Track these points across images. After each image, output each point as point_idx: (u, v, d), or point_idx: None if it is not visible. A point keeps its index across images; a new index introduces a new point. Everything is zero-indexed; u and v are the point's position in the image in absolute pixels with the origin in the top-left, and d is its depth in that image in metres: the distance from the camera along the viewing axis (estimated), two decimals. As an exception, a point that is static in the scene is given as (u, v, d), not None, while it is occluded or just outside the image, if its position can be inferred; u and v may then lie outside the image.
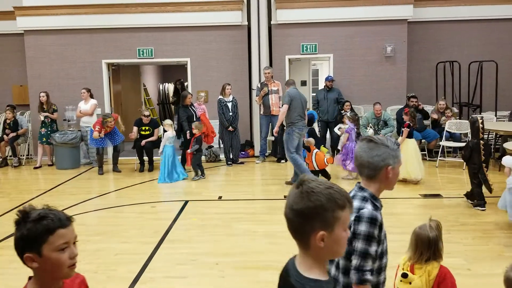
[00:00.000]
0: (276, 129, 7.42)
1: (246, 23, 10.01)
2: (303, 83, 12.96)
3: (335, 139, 9.25)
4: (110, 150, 9.31)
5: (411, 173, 7.13)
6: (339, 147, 8.15)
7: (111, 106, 10.44)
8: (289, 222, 1.42)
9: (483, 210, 5.77)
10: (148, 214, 6.15)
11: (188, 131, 8.35)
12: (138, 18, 9.95)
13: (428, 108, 9.54)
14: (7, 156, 9.67)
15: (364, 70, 9.98)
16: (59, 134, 9.21)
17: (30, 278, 1.56)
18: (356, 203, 1.93)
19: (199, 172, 8.06)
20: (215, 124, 9.26)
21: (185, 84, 13.68)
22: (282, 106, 7.20)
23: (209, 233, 5.30)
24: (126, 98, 11.64)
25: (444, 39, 10.28)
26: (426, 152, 9.17)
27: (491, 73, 9.60)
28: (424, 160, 9.03)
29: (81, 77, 10.12)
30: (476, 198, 5.86)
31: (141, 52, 10.14)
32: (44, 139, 9.37)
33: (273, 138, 9.61)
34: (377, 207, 1.96)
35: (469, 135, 7.29)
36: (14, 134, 9.47)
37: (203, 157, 9.07)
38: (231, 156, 9.15)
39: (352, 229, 1.87)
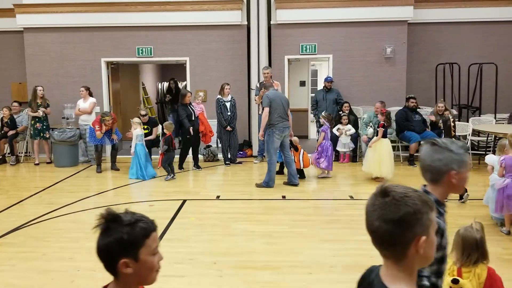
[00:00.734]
0: (261, 132, 7.43)
1: (246, 23, 10.00)
2: (302, 83, 12.97)
3: (334, 139, 9.25)
4: (108, 148, 9.31)
5: (383, 172, 7.32)
6: (316, 145, 8.24)
7: (110, 104, 10.43)
8: (382, 234, 1.30)
9: (462, 201, 6.14)
10: (146, 212, 6.02)
11: (191, 128, 8.38)
12: (138, 16, 9.94)
13: (427, 110, 9.55)
14: (5, 154, 9.65)
15: (363, 71, 9.98)
16: (58, 132, 9.18)
17: (105, 287, 1.48)
18: None
19: (171, 172, 7.97)
20: (213, 123, 9.25)
21: (181, 83, 13.68)
22: (262, 109, 7.25)
23: (207, 232, 5.29)
24: (125, 97, 11.63)
25: (444, 40, 10.29)
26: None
27: (490, 75, 9.61)
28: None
29: (80, 75, 10.11)
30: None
31: (140, 51, 10.13)
32: (41, 134, 9.34)
33: (295, 139, 9.60)
34: (440, 213, 1.91)
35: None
36: (13, 131, 9.45)
37: (201, 156, 9.07)
38: (229, 156, 9.14)
39: None
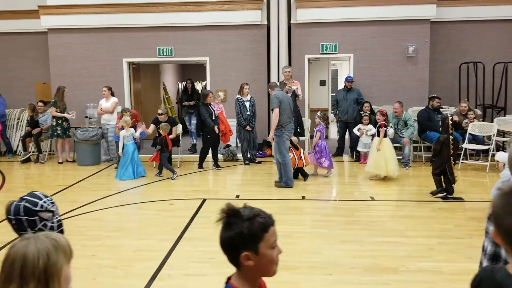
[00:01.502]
0: (271, 134, 7.39)
1: (266, 22, 9.99)
2: (322, 83, 12.90)
3: (355, 140, 9.17)
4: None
5: (390, 171, 7.45)
6: (312, 146, 8.27)
7: (131, 104, 10.56)
8: None
9: (450, 197, 6.39)
10: (167, 211, 6.18)
11: (216, 126, 8.48)
12: (159, 17, 10.03)
13: (450, 110, 9.38)
14: (30, 152, 9.86)
15: (385, 71, 9.86)
16: (81, 131, 9.35)
17: (229, 278, 1.55)
18: None
19: (173, 170, 8.11)
20: (232, 123, 9.27)
21: (200, 83, 13.75)
22: (272, 110, 7.21)
23: (227, 231, 5.29)
24: (146, 97, 11.76)
25: (467, 39, 10.08)
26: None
27: (516, 75, 9.39)
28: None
29: (102, 75, 10.26)
30: (446, 190, 6.45)
31: (161, 51, 10.23)
32: (67, 133, 9.58)
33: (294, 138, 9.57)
34: None
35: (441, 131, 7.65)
36: (38, 129, 9.66)
37: (220, 156, 9.09)
38: (248, 156, 9.15)
39: None
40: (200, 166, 8.79)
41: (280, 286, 3.93)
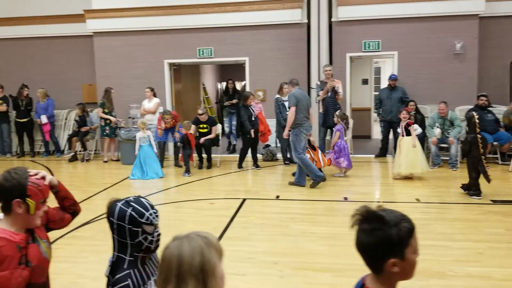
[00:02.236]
0: (286, 132, 7.31)
1: (306, 21, 9.89)
2: (365, 81, 12.63)
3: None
4: (171, 146, 9.60)
5: (424, 168, 7.40)
6: (332, 145, 8.16)
7: (172, 104, 10.72)
8: None
9: (479, 198, 6.22)
10: (207, 210, 6.21)
11: (252, 130, 8.47)
12: (199, 18, 10.13)
13: (501, 109, 8.95)
14: (77, 151, 10.20)
15: (430, 68, 9.53)
16: (125, 131, 9.61)
17: (363, 281, 1.54)
18: None
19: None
20: (272, 123, 9.22)
21: (240, 83, 13.78)
22: (289, 108, 7.18)
23: (267, 232, 5.26)
24: (186, 97, 11.91)
25: (519, 34, 9.59)
26: (498, 156, 8.61)
27: None
28: (496, 164, 8.51)
29: (145, 77, 10.48)
30: (472, 188, 6.33)
31: (201, 52, 10.32)
32: (115, 133, 9.91)
33: (312, 139, 9.43)
34: None
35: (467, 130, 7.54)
36: (87, 128, 9.99)
37: (259, 155, 9.06)
38: (288, 155, 9.07)
39: None
40: (240, 166, 8.80)
41: (322, 289, 3.84)
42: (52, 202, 2.18)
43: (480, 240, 4.75)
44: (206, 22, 10.14)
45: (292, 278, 4.04)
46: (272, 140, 9.53)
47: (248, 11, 9.97)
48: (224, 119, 11.43)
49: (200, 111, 9.07)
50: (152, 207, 1.92)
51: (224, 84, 15.90)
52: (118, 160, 9.89)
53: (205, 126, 9.00)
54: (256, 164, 8.79)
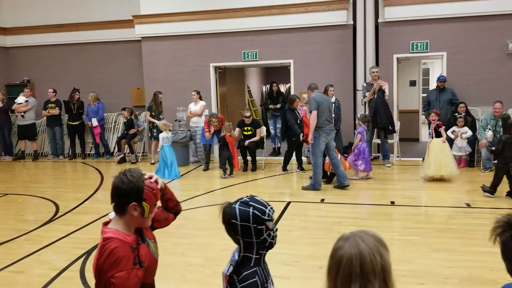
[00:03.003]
0: (310, 136, 7.20)
1: (352, 22, 9.77)
2: (412, 83, 12.32)
3: (448, 143, 8.62)
4: (216, 148, 9.75)
5: (453, 170, 7.41)
6: (353, 148, 8.07)
7: (217, 107, 10.88)
8: None
9: (492, 196, 6.34)
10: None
11: (301, 134, 8.49)
12: (244, 22, 10.23)
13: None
14: (125, 153, 10.56)
15: (481, 69, 9.16)
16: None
17: None
18: None
19: (227, 171, 8.53)
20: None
21: (284, 85, 13.77)
22: (310, 112, 7.16)
23: (312, 235, 5.24)
24: (231, 100, 12.06)
25: None
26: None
27: None
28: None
29: (191, 80, 10.69)
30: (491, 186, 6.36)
31: (246, 55, 10.42)
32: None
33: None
34: None
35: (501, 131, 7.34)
36: (134, 130, 10.32)
37: (304, 159, 9.03)
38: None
39: None
40: (285, 168, 8.81)
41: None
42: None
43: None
44: (251, 25, 10.22)
45: (338, 282, 4.00)
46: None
47: (294, 13, 9.96)
48: (268, 121, 11.46)
49: (247, 114, 9.16)
50: (268, 204, 1.94)
51: (268, 86, 15.99)
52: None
53: (249, 128, 9.07)
54: (300, 167, 8.77)
